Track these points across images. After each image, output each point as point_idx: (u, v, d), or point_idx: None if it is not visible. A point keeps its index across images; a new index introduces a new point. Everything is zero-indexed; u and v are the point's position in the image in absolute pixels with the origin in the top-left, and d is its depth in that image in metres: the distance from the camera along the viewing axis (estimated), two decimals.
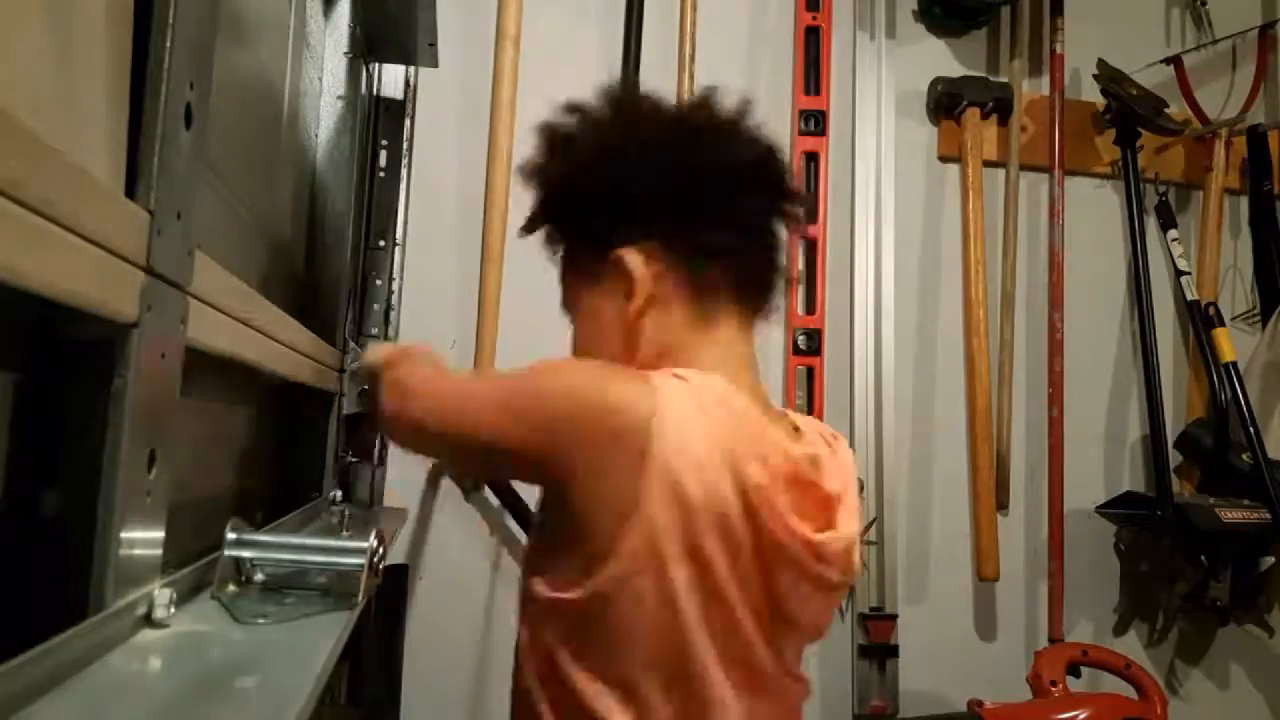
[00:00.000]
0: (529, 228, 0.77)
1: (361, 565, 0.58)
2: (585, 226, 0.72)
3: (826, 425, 0.77)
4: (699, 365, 0.67)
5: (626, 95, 0.79)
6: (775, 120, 1.73)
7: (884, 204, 1.75)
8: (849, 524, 0.66)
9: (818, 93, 1.71)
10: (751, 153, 0.72)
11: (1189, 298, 1.82)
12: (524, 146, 1.54)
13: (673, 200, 0.68)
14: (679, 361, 0.67)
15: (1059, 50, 1.85)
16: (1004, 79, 1.84)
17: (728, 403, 0.62)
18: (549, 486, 0.66)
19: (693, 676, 0.60)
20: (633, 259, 0.68)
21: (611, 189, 0.70)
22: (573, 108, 0.75)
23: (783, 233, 0.74)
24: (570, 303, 0.76)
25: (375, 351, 0.81)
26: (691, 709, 0.61)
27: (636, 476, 0.57)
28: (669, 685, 0.60)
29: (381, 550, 0.60)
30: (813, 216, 0.72)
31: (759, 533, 0.60)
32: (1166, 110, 1.84)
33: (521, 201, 1.57)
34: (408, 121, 1.47)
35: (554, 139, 0.75)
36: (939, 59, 1.85)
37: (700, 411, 0.60)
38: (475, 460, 0.78)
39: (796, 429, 0.71)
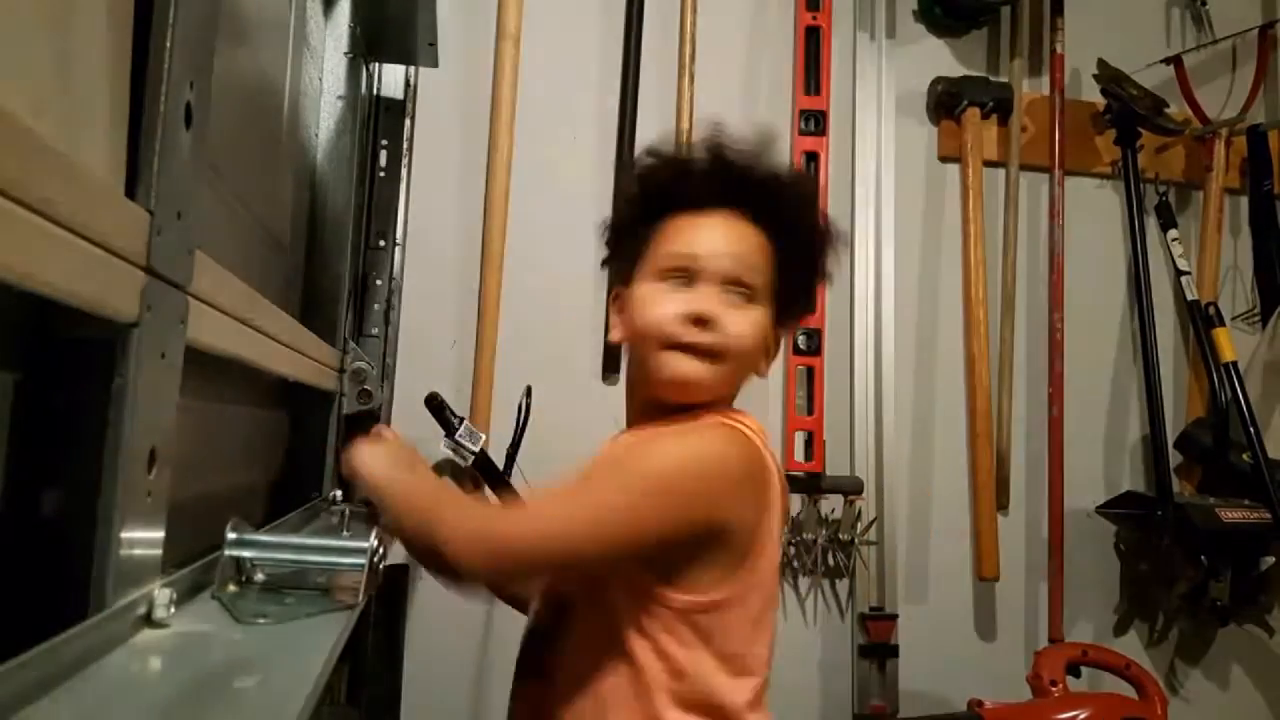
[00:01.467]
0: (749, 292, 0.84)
1: (362, 565, 0.58)
2: (790, 286, 0.82)
3: None
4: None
5: (650, 152, 0.84)
6: (775, 120, 1.73)
7: (884, 204, 1.75)
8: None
9: (818, 93, 1.71)
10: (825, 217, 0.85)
11: (1189, 298, 1.82)
12: (524, 146, 1.55)
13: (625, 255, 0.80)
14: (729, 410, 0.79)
15: (1059, 50, 1.84)
16: (1004, 79, 1.84)
17: (755, 423, 0.77)
18: (700, 536, 0.71)
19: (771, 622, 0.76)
20: (617, 302, 0.81)
21: (608, 236, 0.84)
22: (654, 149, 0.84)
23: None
24: (737, 350, 0.84)
25: (373, 463, 0.73)
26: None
27: (767, 505, 0.73)
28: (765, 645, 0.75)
29: (381, 550, 0.60)
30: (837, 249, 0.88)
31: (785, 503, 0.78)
32: (1166, 110, 1.84)
33: (522, 200, 1.58)
34: (408, 121, 1.47)
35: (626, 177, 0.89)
36: (939, 59, 1.85)
37: (763, 442, 0.75)
38: (621, 558, 0.71)
39: None
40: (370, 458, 0.71)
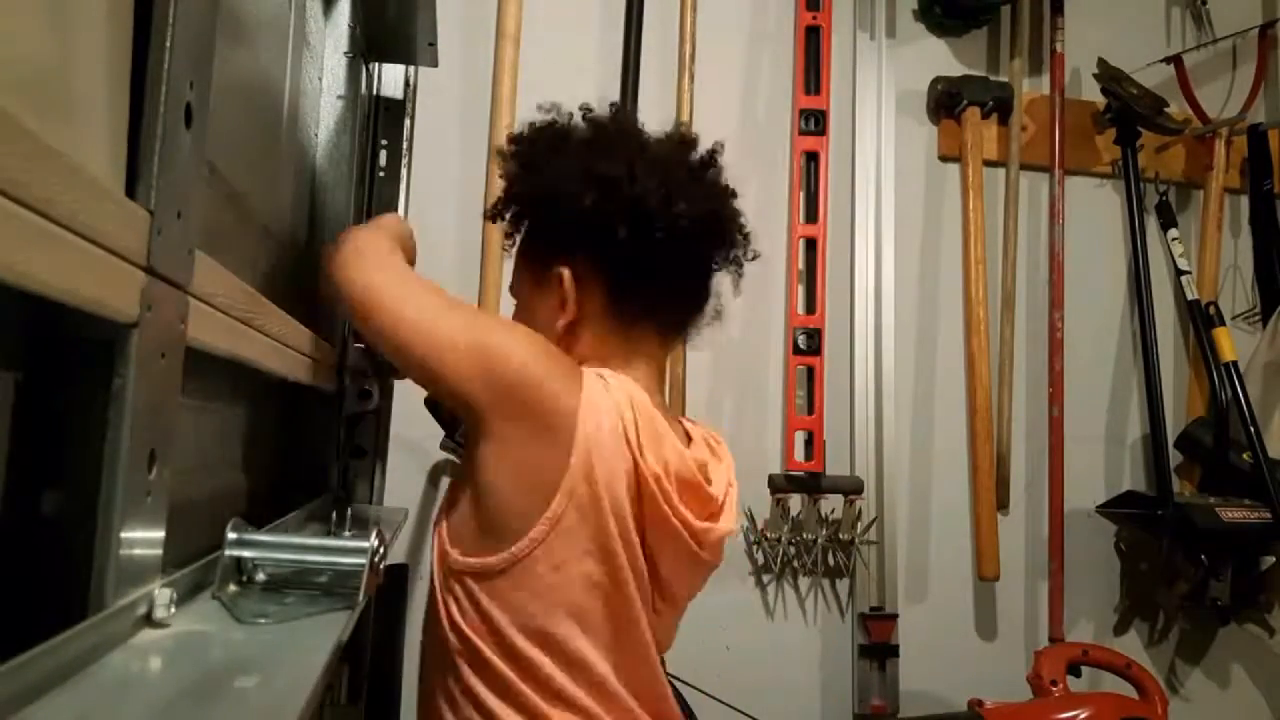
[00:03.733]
0: (493, 215, 0.86)
1: (362, 565, 0.58)
2: (537, 235, 0.83)
3: (711, 430, 0.86)
4: (616, 369, 0.77)
5: (612, 124, 0.83)
6: (775, 120, 1.73)
7: (884, 204, 1.75)
8: (728, 521, 0.80)
9: (818, 92, 1.71)
10: (701, 207, 0.78)
11: (1189, 297, 1.82)
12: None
13: (610, 244, 0.76)
14: (603, 364, 0.76)
15: (1059, 50, 1.85)
16: (1004, 78, 1.84)
17: (635, 403, 0.73)
18: (469, 429, 0.73)
19: (582, 630, 0.72)
20: (569, 281, 0.78)
21: (561, 215, 0.78)
22: (548, 122, 0.83)
23: (715, 278, 0.84)
24: (515, 290, 0.86)
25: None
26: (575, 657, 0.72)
27: (564, 455, 0.69)
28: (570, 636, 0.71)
29: (382, 550, 0.60)
30: (751, 256, 0.81)
31: (646, 510, 0.72)
32: (1167, 109, 1.84)
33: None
34: (408, 121, 1.47)
35: (525, 147, 0.83)
36: (939, 58, 1.85)
37: (613, 408, 0.71)
38: (410, 366, 0.76)
39: (689, 436, 0.82)
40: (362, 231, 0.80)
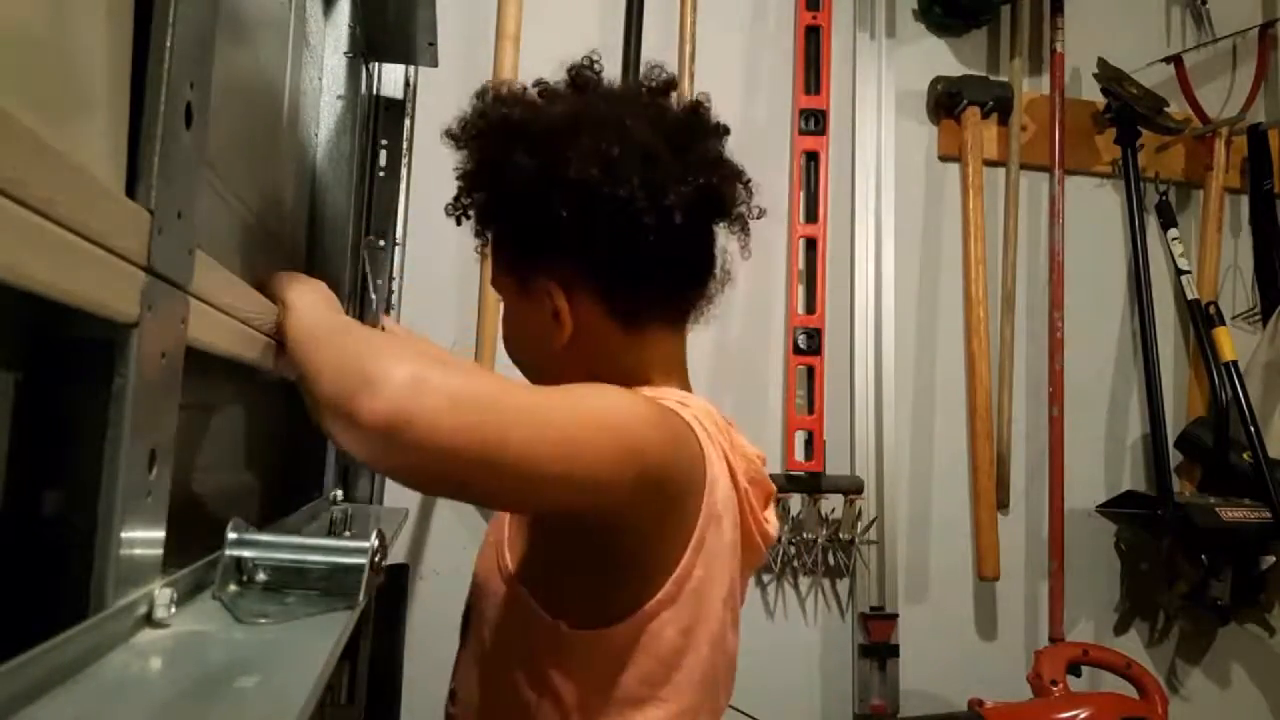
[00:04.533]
0: (456, 216, 0.74)
1: (362, 565, 0.58)
2: (514, 241, 0.71)
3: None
4: (655, 383, 0.70)
5: (578, 100, 0.70)
6: (775, 120, 1.73)
7: (884, 204, 1.75)
8: (774, 513, 0.75)
9: (818, 92, 1.71)
10: (697, 186, 0.67)
11: (1189, 297, 1.82)
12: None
13: (604, 246, 0.66)
14: (624, 377, 0.66)
15: (1059, 49, 1.84)
16: (1004, 78, 1.84)
17: (713, 420, 0.67)
18: (593, 527, 0.60)
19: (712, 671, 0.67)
20: (559, 297, 0.67)
21: (543, 219, 0.65)
22: (510, 99, 0.71)
23: (716, 240, 0.74)
24: (497, 288, 0.74)
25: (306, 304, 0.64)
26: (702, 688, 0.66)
27: (696, 514, 0.62)
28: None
29: (383, 550, 0.60)
30: (755, 214, 0.67)
31: (744, 530, 0.68)
32: (1167, 109, 1.84)
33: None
34: (407, 121, 1.47)
35: (496, 132, 0.69)
36: (939, 58, 1.85)
37: (712, 442, 0.64)
38: (539, 498, 0.58)
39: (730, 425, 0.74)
40: (300, 295, 0.63)
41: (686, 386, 0.73)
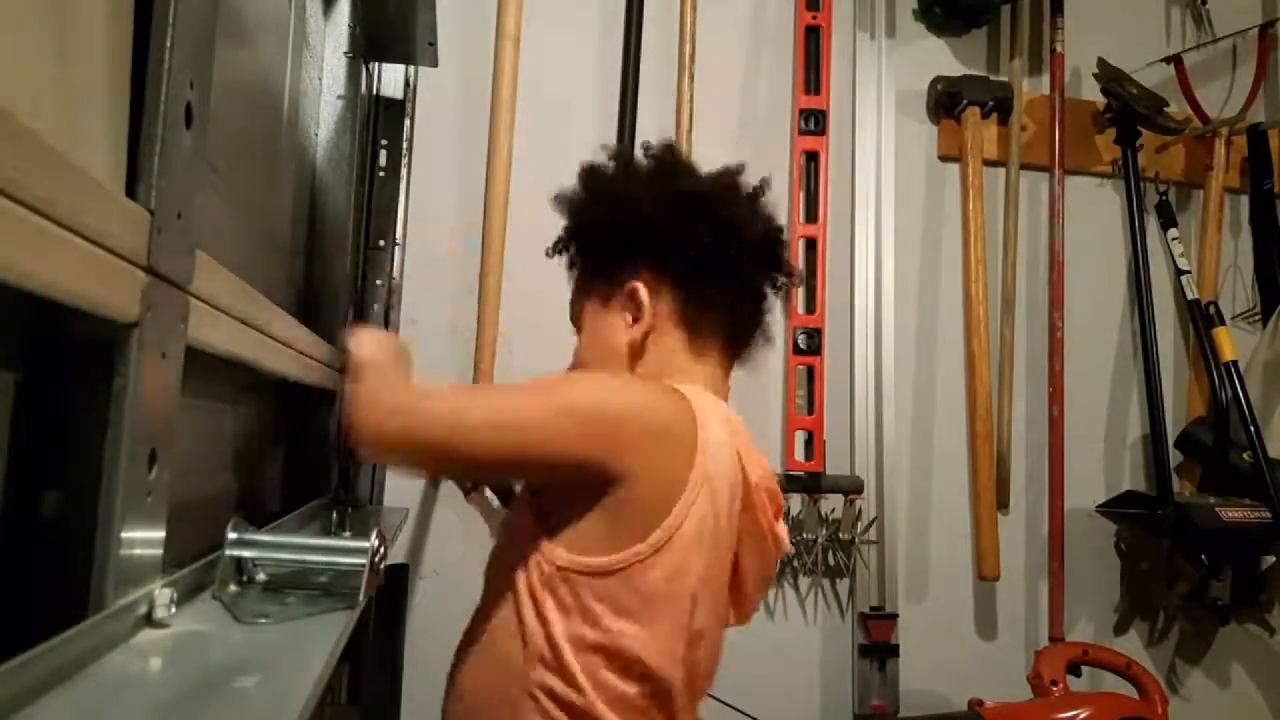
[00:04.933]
0: (556, 250, 0.88)
1: (362, 565, 0.58)
2: (608, 257, 0.84)
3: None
4: (692, 384, 0.78)
5: (665, 156, 0.87)
6: (775, 120, 1.73)
7: (884, 204, 1.75)
8: (783, 525, 0.83)
9: (818, 92, 1.71)
10: (760, 228, 0.83)
11: (1189, 297, 1.82)
12: (524, 146, 1.55)
13: (687, 252, 0.79)
14: (676, 380, 0.77)
15: (1059, 49, 1.84)
16: (1004, 78, 1.84)
17: (726, 415, 0.76)
18: (592, 482, 0.69)
19: (691, 622, 0.72)
20: (644, 292, 0.80)
21: (638, 231, 0.81)
22: (615, 155, 0.89)
23: (771, 299, 0.88)
24: (579, 317, 0.87)
25: (365, 344, 0.76)
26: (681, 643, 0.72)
27: (688, 468, 0.70)
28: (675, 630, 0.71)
29: (382, 550, 0.60)
30: (799, 281, 0.84)
31: (745, 522, 0.76)
32: (1166, 109, 1.84)
33: (521, 199, 1.58)
34: (407, 121, 1.47)
35: (594, 178, 0.86)
36: (939, 58, 1.85)
37: (719, 421, 0.73)
38: (508, 469, 0.78)
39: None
40: (367, 339, 0.75)
41: (722, 400, 0.82)
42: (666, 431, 0.70)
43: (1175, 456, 1.79)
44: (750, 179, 0.87)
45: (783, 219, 1.69)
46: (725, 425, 0.74)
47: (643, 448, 0.69)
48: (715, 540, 0.72)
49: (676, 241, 0.79)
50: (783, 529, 0.82)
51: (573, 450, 0.68)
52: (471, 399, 0.73)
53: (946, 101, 1.80)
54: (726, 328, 0.83)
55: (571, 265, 0.88)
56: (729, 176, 0.85)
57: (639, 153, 0.88)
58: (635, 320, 0.80)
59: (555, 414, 0.68)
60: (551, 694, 0.68)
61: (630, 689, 0.69)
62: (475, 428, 0.67)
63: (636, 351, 0.81)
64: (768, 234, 0.85)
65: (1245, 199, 1.94)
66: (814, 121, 1.70)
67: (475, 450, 0.68)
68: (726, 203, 0.81)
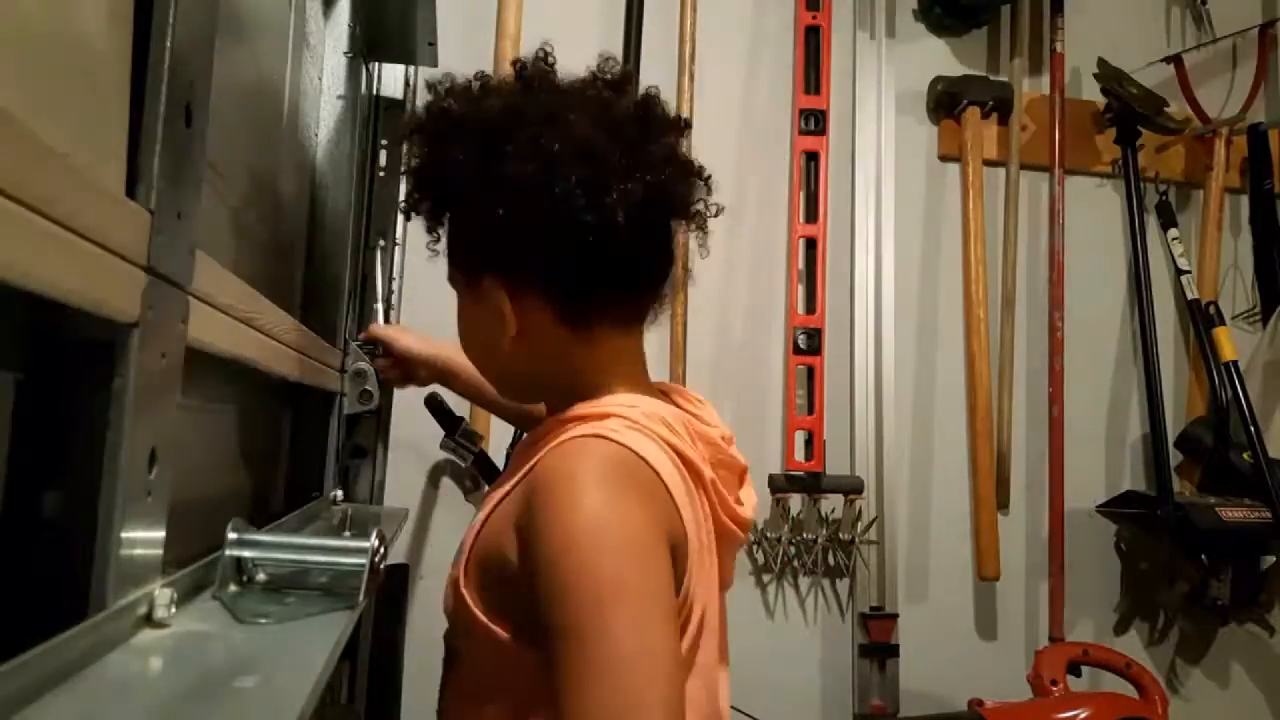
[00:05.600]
0: (406, 211, 0.73)
1: (363, 565, 0.58)
2: (457, 238, 0.70)
3: (690, 389, 0.78)
4: (605, 385, 0.67)
5: (523, 94, 0.67)
6: (775, 120, 1.73)
7: (884, 204, 1.75)
8: (751, 491, 0.73)
9: (817, 92, 1.71)
10: (645, 184, 0.64)
11: (1189, 297, 1.82)
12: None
13: (542, 249, 0.64)
14: (589, 393, 0.66)
15: (1059, 49, 1.84)
16: (1004, 78, 1.84)
17: (665, 420, 0.64)
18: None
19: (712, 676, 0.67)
20: (502, 298, 0.66)
21: (483, 220, 0.65)
22: (455, 93, 0.68)
23: (673, 238, 0.71)
24: (452, 283, 0.73)
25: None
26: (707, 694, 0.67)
27: (686, 557, 0.61)
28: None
29: (383, 550, 0.60)
30: (715, 210, 0.66)
31: (715, 522, 0.66)
32: (1167, 109, 1.84)
33: None
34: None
35: (440, 126, 0.68)
36: (939, 58, 1.85)
37: (663, 452, 0.62)
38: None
39: (699, 405, 0.74)
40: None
41: (641, 387, 0.69)
42: (673, 541, 0.59)
43: (1175, 456, 1.79)
44: (628, 91, 0.68)
45: (783, 219, 1.70)
46: (664, 428, 0.63)
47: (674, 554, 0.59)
48: (708, 577, 0.64)
49: (518, 244, 0.64)
50: (747, 498, 0.72)
51: (663, 585, 0.57)
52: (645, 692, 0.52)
53: (946, 101, 1.80)
54: (623, 308, 0.68)
55: (429, 229, 0.72)
56: (594, 115, 0.64)
57: (475, 86, 0.68)
58: (501, 325, 0.67)
59: (641, 602, 0.54)
60: None
61: None
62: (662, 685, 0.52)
63: (520, 358, 0.69)
64: (654, 188, 0.64)
65: (1245, 199, 1.94)
66: (814, 121, 1.70)
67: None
68: (582, 175, 0.61)
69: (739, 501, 0.71)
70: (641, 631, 0.53)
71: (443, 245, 0.72)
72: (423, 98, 0.70)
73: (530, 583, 0.56)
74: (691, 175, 0.71)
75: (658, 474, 0.60)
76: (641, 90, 0.71)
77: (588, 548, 0.54)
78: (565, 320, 0.66)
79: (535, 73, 0.69)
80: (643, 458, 0.60)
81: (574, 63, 0.73)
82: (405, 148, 0.72)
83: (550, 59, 0.71)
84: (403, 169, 0.74)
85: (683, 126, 0.72)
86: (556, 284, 0.66)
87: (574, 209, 0.61)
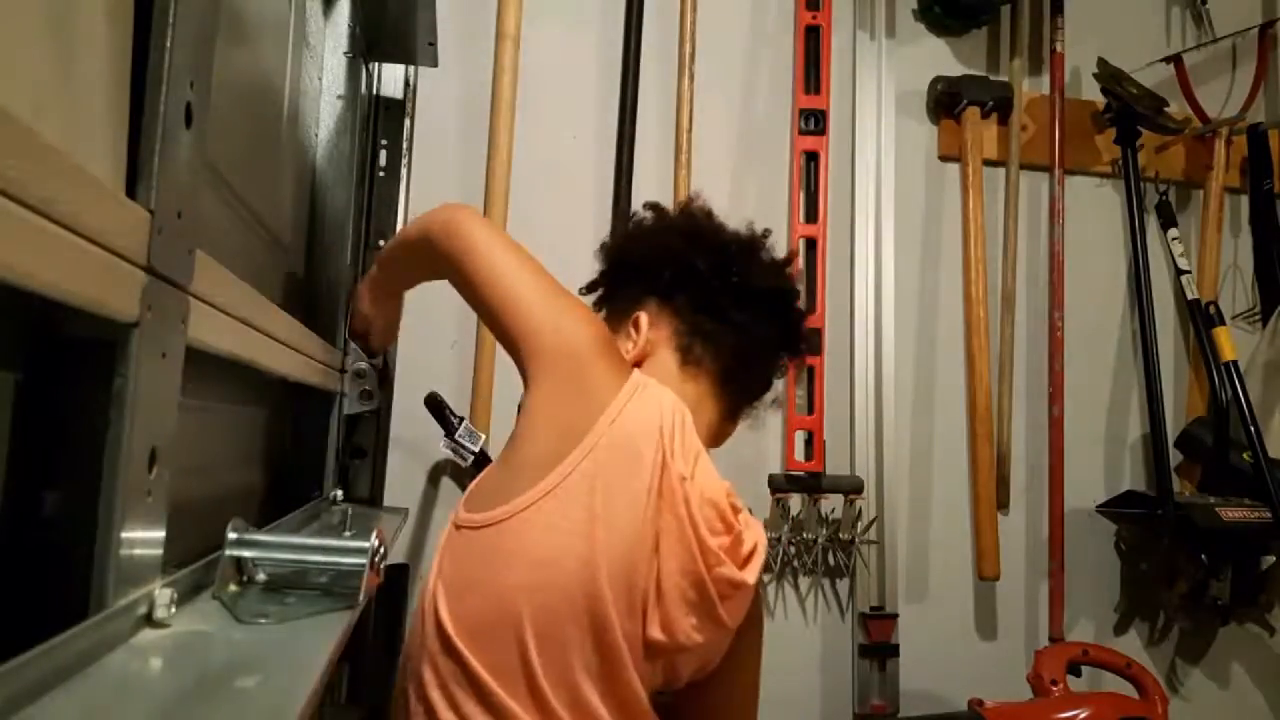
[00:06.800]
0: (589, 288, 0.97)
1: (363, 565, 0.58)
2: (622, 285, 0.93)
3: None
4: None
5: (695, 210, 0.95)
6: (775, 120, 1.73)
7: (884, 204, 1.75)
8: (751, 575, 0.80)
9: (818, 92, 1.71)
10: (771, 281, 0.90)
11: (1189, 297, 1.82)
12: (524, 146, 1.54)
13: (685, 279, 0.87)
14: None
15: (1059, 49, 1.84)
16: (1004, 78, 1.84)
17: (676, 411, 0.76)
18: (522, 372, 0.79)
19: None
20: (644, 319, 0.87)
21: (647, 259, 0.89)
22: (650, 205, 0.98)
23: (781, 366, 0.95)
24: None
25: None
26: None
27: (595, 414, 0.73)
28: None
29: (382, 550, 0.60)
30: (814, 350, 0.92)
31: (664, 509, 0.72)
32: (1166, 109, 1.84)
33: (521, 199, 1.58)
34: (408, 121, 1.47)
35: (643, 221, 0.96)
36: (939, 58, 1.85)
37: (654, 402, 0.75)
38: (487, 303, 0.83)
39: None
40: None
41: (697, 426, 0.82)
42: (590, 373, 0.77)
43: (1175, 456, 1.79)
44: (777, 249, 0.93)
45: (783, 219, 1.70)
46: (670, 414, 0.75)
47: (567, 373, 0.78)
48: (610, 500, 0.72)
49: (676, 269, 0.86)
50: (719, 544, 0.76)
51: (529, 327, 0.81)
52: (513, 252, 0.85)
53: (946, 101, 1.80)
54: (723, 361, 0.86)
55: (598, 305, 0.96)
56: (750, 234, 0.92)
57: (666, 209, 0.97)
58: (634, 344, 0.86)
59: (549, 297, 0.81)
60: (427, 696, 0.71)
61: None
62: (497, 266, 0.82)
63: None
64: (780, 290, 0.90)
65: (1245, 199, 1.94)
66: (814, 121, 1.70)
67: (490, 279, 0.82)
68: (738, 247, 0.88)
69: (704, 537, 0.75)
70: None
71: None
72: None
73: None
74: (802, 311, 0.97)
75: (631, 370, 0.80)
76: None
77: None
78: (678, 345, 0.87)
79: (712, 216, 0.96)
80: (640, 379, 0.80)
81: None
82: (610, 241, 1.02)
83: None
84: (603, 251, 1.01)
85: (788, 265, 0.97)
86: (691, 303, 0.88)
87: (728, 252, 0.90)
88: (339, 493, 1.15)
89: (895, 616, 1.65)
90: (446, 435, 1.35)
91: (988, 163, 1.81)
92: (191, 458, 0.67)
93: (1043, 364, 1.78)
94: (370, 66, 1.32)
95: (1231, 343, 1.75)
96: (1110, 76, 1.78)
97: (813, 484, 1.62)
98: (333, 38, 1.13)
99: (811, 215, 1.69)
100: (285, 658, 0.45)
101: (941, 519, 1.74)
